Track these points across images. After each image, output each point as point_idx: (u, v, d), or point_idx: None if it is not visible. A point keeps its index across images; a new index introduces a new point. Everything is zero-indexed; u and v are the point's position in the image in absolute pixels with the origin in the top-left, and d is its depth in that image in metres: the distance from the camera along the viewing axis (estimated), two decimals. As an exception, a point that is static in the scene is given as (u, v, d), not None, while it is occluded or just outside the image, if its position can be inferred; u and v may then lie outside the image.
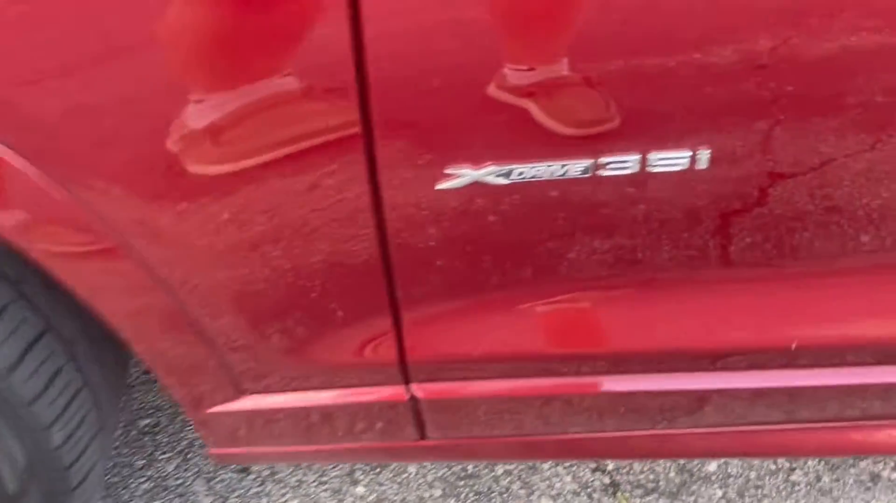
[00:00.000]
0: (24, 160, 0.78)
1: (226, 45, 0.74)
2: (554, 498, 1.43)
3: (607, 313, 0.99)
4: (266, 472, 1.49)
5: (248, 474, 1.49)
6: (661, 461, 1.47)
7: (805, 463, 1.46)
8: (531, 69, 0.75)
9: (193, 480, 1.48)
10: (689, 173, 0.81)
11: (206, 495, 1.46)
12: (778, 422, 1.10)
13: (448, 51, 0.74)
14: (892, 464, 1.46)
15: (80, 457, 1.07)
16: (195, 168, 0.79)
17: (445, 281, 0.91)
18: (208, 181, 0.80)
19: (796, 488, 1.43)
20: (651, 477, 1.46)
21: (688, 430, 1.10)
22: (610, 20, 0.72)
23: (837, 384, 1.03)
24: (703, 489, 1.44)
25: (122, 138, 0.78)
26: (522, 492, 1.44)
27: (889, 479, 1.44)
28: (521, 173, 0.80)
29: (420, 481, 1.47)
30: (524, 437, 1.13)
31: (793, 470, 1.46)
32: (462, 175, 0.81)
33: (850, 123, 0.78)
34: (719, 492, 1.43)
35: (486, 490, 1.44)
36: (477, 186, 0.81)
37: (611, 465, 1.47)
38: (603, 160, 0.80)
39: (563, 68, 0.74)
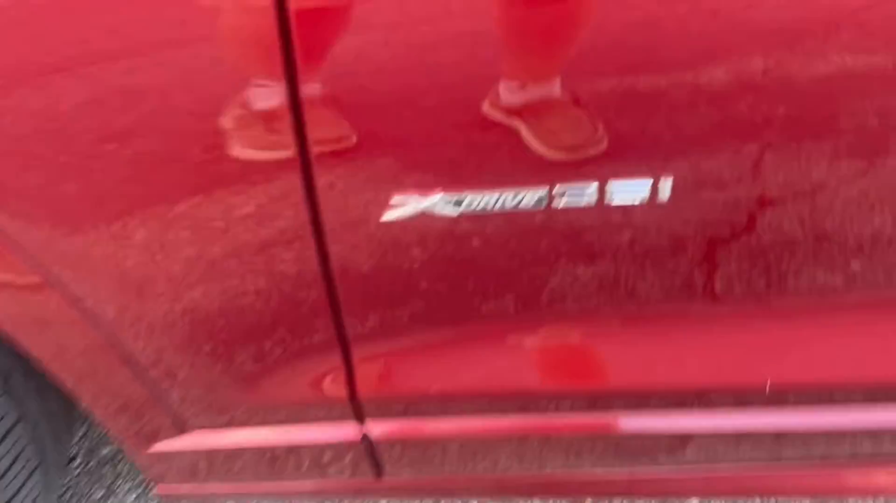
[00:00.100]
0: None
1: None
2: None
3: (564, 350, 0.93)
4: (229, 504, 1.43)
5: (210, 506, 1.43)
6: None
7: None
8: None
9: (153, 512, 1.43)
10: (656, 204, 0.75)
11: (165, 528, 1.40)
12: (763, 461, 1.04)
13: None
14: (882, 504, 1.39)
15: (16, 494, 1.01)
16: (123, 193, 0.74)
17: (395, 316, 0.85)
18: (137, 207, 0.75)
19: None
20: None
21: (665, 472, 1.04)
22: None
23: (825, 424, 0.97)
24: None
25: (42, 165, 0.73)
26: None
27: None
28: (470, 203, 0.75)
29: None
30: (493, 475, 1.07)
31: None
32: (408, 204, 0.75)
33: (845, 148, 0.73)
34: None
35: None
36: (425, 217, 0.76)
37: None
38: (560, 189, 0.74)
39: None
